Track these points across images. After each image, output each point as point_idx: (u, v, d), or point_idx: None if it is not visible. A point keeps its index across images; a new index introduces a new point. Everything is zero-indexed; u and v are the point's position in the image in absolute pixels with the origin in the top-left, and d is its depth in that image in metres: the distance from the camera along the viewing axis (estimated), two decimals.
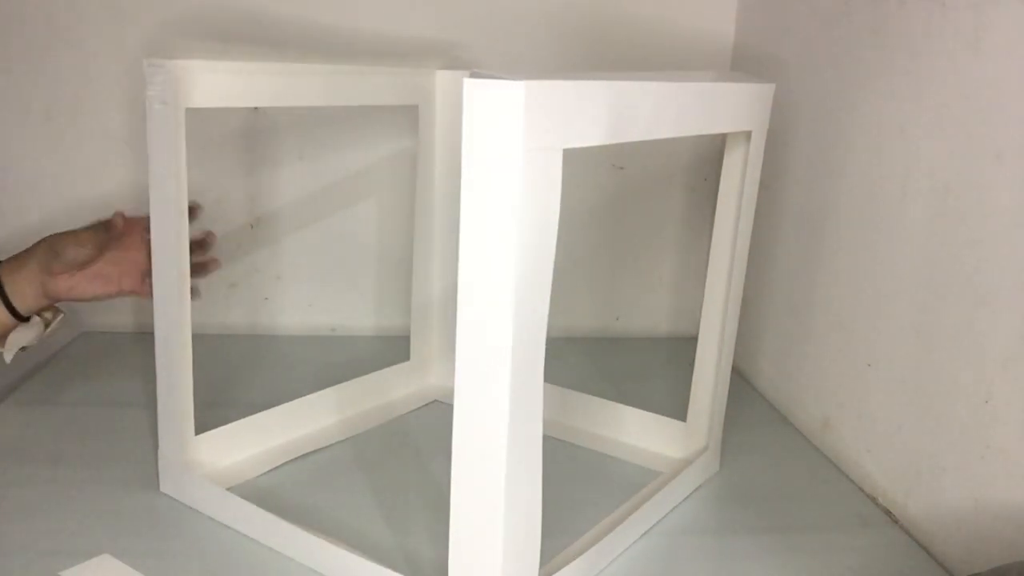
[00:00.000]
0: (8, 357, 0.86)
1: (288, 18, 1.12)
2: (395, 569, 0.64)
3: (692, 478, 0.83)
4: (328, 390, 0.94)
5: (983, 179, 0.72)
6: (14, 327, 0.85)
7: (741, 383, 1.14)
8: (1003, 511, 0.69)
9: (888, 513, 0.82)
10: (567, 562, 0.67)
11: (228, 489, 0.76)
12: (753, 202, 0.81)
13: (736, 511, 0.81)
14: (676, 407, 0.94)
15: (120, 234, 0.88)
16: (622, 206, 1.25)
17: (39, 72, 1.10)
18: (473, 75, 0.51)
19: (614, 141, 0.59)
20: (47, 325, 0.88)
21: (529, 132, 0.51)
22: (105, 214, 0.89)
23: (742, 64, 1.19)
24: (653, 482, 0.83)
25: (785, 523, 0.79)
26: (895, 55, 0.84)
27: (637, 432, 0.93)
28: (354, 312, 1.25)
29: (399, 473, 0.85)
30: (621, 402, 0.94)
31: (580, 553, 0.68)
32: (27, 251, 0.85)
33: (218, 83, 0.73)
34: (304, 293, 1.24)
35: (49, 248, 0.84)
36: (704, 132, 0.70)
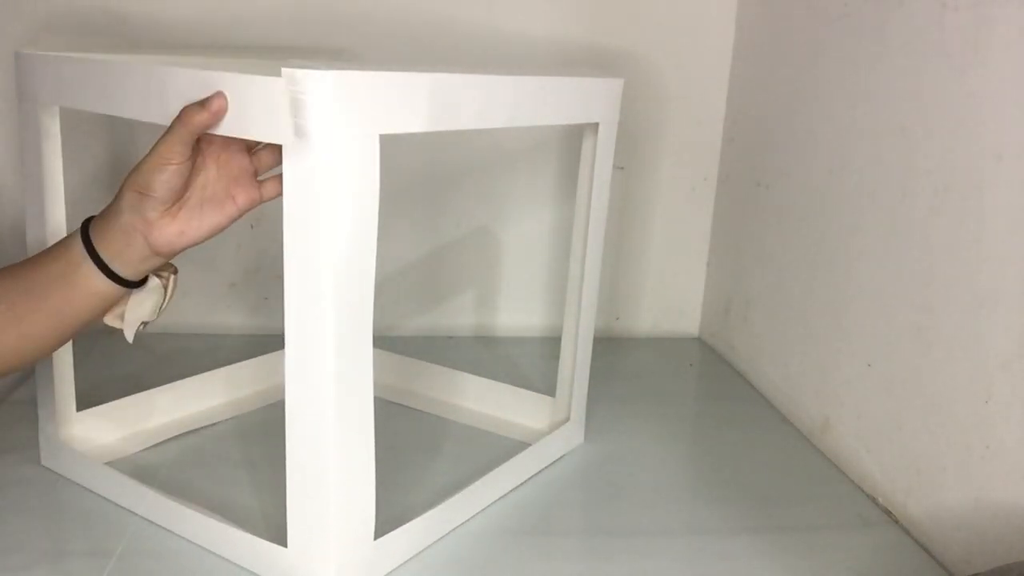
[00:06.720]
0: (129, 336, 0.70)
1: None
2: (254, 531, 0.67)
3: (556, 446, 0.89)
4: (218, 371, 0.96)
5: (983, 179, 0.72)
6: (123, 298, 0.68)
7: (741, 383, 1.14)
8: (1003, 511, 0.69)
9: (888, 513, 0.82)
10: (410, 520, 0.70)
11: (106, 464, 0.79)
12: (605, 190, 0.85)
13: (735, 511, 0.81)
14: (676, 406, 0.94)
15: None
16: (622, 206, 1.25)
17: None
18: (292, 65, 0.54)
19: (437, 129, 0.62)
20: (166, 289, 0.70)
21: (341, 118, 0.54)
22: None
23: (742, 64, 1.19)
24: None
25: (785, 523, 0.79)
26: (895, 55, 0.84)
27: (509, 406, 0.97)
28: None
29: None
30: (621, 402, 0.94)
31: (420, 514, 0.71)
32: (115, 201, 0.64)
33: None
34: None
35: (134, 190, 0.62)
36: (543, 123, 0.76)
